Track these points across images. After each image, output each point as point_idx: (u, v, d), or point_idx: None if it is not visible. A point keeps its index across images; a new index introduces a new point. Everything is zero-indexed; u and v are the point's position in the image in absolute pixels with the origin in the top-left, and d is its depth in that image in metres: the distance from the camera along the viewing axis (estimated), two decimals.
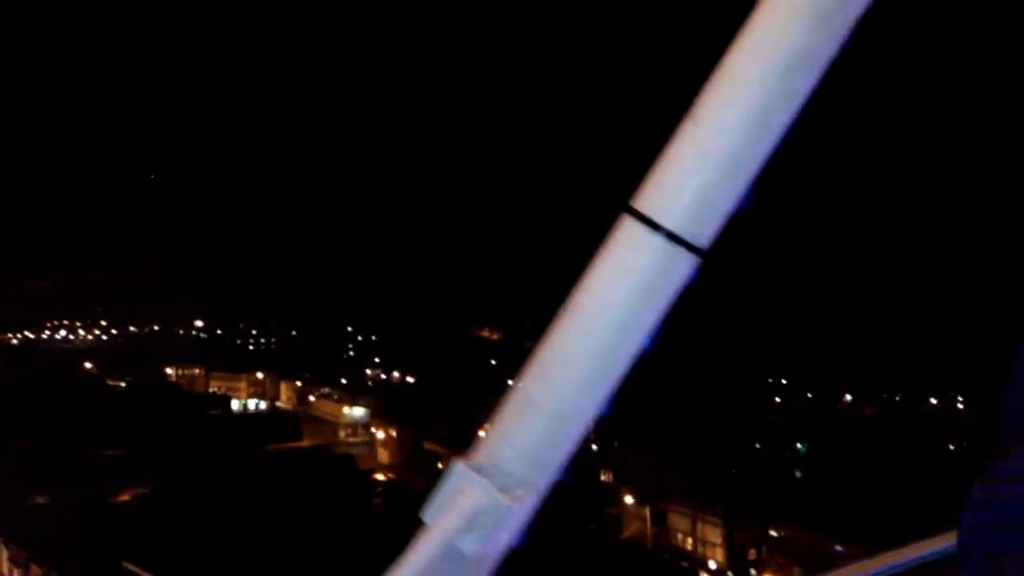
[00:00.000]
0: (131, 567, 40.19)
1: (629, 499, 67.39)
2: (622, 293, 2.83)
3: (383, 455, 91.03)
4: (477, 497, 2.90)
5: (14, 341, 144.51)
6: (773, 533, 57.53)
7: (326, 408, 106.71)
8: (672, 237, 2.75)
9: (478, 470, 2.97)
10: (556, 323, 2.91)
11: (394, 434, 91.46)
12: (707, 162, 2.79)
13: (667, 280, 2.84)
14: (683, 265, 2.81)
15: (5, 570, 48.52)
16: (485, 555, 3.03)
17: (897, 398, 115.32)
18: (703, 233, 2.76)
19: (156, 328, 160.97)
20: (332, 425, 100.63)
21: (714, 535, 59.89)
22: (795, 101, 2.78)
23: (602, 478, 75.36)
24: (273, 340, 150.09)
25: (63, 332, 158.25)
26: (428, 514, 2.98)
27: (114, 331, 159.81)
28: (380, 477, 77.45)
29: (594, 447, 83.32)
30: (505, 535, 3.08)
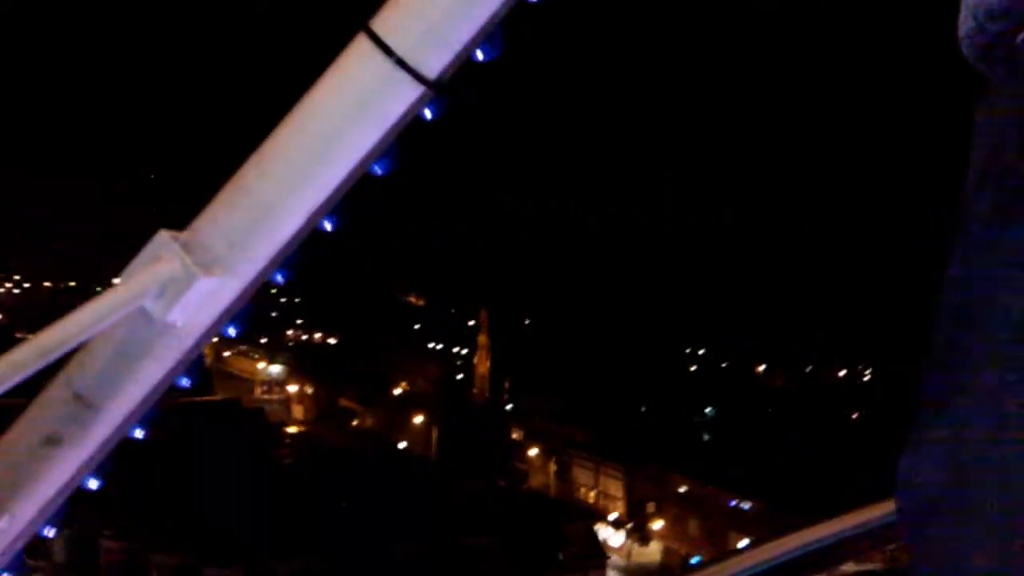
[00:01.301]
0: None
1: (534, 451, 68.40)
2: (343, 105, 2.97)
3: (298, 411, 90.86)
4: (171, 265, 3.13)
5: None
6: (679, 489, 58.82)
7: (241, 365, 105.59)
8: (400, 63, 2.81)
9: (180, 242, 3.20)
10: (282, 121, 3.13)
11: (309, 391, 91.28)
12: None
13: (389, 103, 2.86)
14: (408, 92, 2.85)
15: None
16: (175, 325, 3.21)
17: (808, 368, 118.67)
18: (433, 65, 2.82)
19: (72, 284, 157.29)
20: (248, 382, 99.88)
21: (616, 489, 61.08)
22: None
23: (514, 436, 76.35)
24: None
25: None
26: (122, 275, 3.19)
27: (27, 285, 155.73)
28: (291, 430, 77.37)
29: (509, 407, 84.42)
30: (200, 310, 3.25)
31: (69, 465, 3.31)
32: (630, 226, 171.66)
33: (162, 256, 2.98)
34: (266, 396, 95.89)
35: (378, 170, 3.06)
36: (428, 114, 2.97)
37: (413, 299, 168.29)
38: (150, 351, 3.14)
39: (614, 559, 53.64)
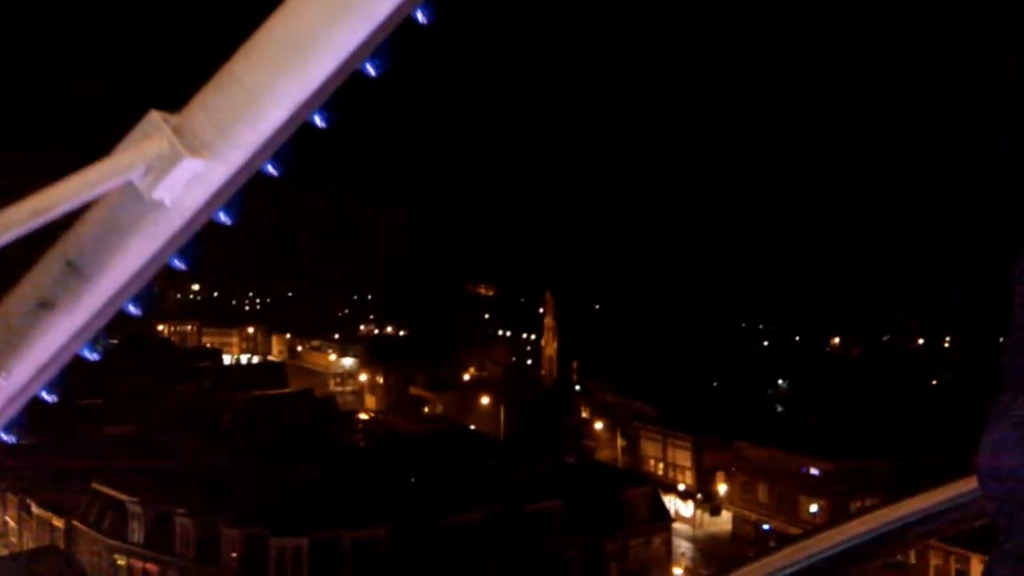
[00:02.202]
0: (99, 487, 41.35)
1: (599, 425, 68.32)
2: (330, 1, 2.96)
3: (370, 401, 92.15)
4: (159, 144, 3.37)
5: None
6: (749, 456, 57.67)
7: (316, 359, 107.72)
8: None
9: (170, 124, 3.44)
10: (272, 14, 3.32)
11: (381, 380, 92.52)
12: None
13: (376, 0, 2.91)
14: None
15: None
16: (163, 203, 3.45)
17: (884, 338, 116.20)
18: None
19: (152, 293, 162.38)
20: (321, 375, 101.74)
21: (684, 459, 60.64)
22: None
23: (583, 415, 76.41)
24: (268, 300, 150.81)
25: None
26: (115, 151, 3.44)
27: None
28: (362, 416, 78.57)
29: (577, 387, 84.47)
30: (188, 191, 3.47)
31: (62, 330, 3.54)
32: (703, 208, 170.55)
33: (152, 135, 3.23)
34: (339, 388, 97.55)
35: (371, 70, 3.15)
36: (421, 18, 3.03)
37: (483, 290, 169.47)
38: (139, 227, 3.37)
39: (682, 528, 53.38)
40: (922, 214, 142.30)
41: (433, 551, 36.80)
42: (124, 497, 40.52)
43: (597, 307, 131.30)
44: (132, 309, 3.68)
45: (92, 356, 3.78)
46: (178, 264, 3.72)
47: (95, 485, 42.06)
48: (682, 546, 51.60)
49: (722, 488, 57.38)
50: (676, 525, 54.27)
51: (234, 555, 36.30)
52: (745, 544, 54.83)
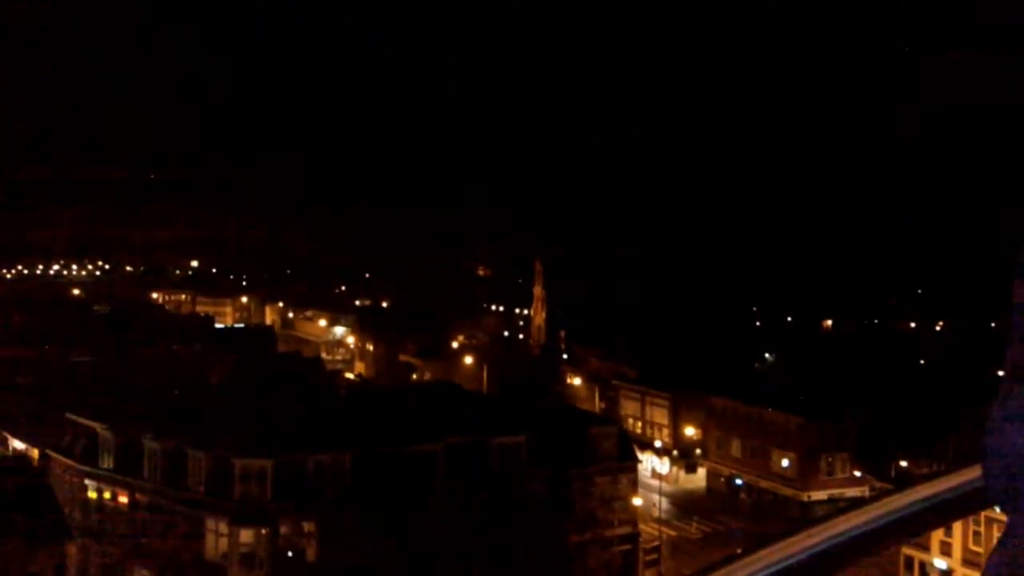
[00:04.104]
0: (73, 417, 41.86)
1: (578, 380, 68.71)
2: None
3: (360, 367, 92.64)
4: None
5: (8, 275, 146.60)
6: (724, 413, 57.75)
7: (308, 328, 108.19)
8: None
9: None
10: None
11: (371, 348, 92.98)
12: None
13: None
14: None
15: None
16: None
17: (876, 321, 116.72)
18: None
19: (151, 268, 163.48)
20: (313, 344, 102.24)
21: (661, 416, 61.04)
22: None
23: (567, 380, 76.78)
24: (265, 276, 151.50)
25: (56, 268, 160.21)
26: None
27: (107, 267, 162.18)
28: (349, 375, 79.03)
29: (565, 356, 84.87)
30: None
31: None
32: (708, 194, 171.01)
33: None
34: (329, 356, 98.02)
35: None
36: None
37: (481, 271, 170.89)
38: None
39: (658, 484, 53.70)
40: (921, 206, 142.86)
41: (397, 476, 37.25)
42: (95, 425, 41.00)
43: (595, 281, 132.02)
44: None
45: None
46: None
47: (69, 415, 42.59)
48: (653, 498, 51.96)
49: (696, 445, 57.72)
50: (653, 481, 54.71)
51: (200, 479, 36.71)
52: (718, 499, 55.38)
